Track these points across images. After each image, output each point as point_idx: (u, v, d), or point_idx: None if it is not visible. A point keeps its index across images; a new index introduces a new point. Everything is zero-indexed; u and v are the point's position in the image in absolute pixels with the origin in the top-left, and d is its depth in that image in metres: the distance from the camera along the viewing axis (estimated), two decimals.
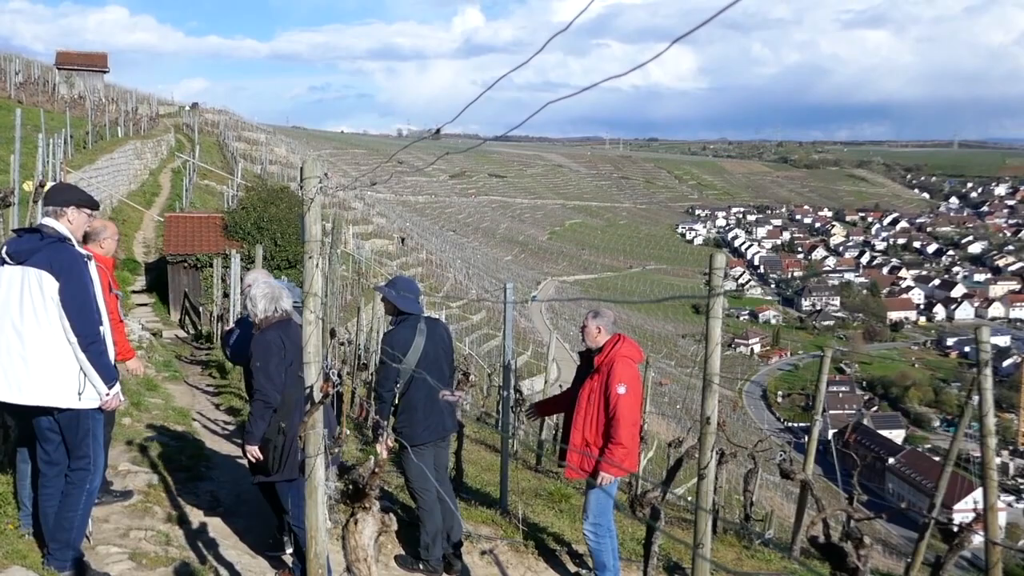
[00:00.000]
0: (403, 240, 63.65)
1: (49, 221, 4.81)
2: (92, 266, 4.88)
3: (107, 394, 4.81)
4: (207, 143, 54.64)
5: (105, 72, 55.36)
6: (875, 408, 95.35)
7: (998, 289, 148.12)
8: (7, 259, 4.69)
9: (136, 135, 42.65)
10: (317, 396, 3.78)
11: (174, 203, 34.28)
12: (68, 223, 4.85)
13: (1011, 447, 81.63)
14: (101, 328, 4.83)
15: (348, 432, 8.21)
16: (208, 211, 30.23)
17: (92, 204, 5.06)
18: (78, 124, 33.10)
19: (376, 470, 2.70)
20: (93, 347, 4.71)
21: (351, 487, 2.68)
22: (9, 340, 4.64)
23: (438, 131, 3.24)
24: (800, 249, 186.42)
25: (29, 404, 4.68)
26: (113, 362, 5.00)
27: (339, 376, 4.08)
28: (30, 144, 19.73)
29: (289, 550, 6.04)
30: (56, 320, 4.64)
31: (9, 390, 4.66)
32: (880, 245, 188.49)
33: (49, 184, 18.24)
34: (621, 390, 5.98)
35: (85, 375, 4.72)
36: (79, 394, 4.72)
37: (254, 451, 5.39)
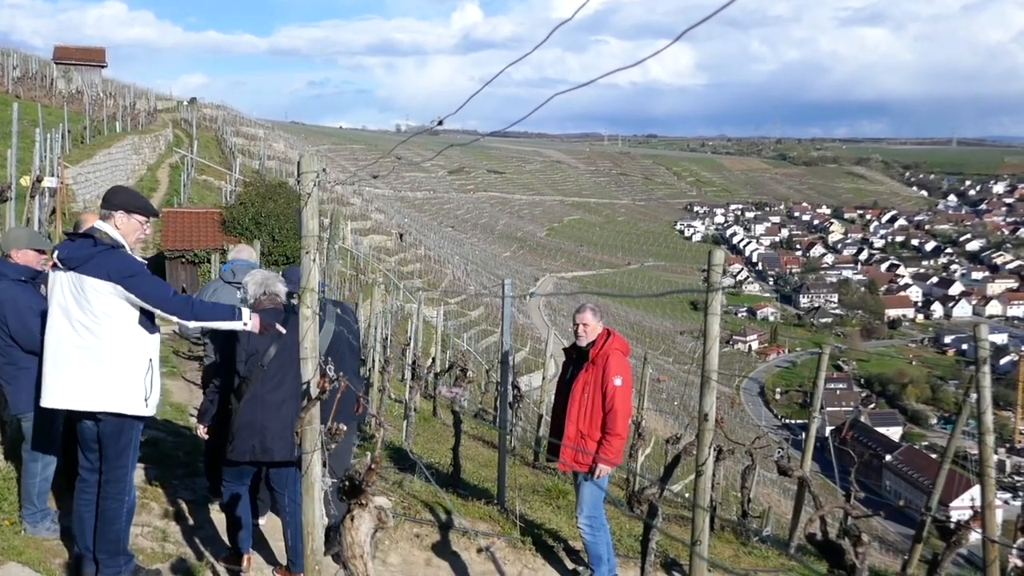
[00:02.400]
0: (401, 236, 63.61)
1: (101, 225, 4.76)
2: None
3: (245, 323, 4.84)
4: (205, 138, 54.56)
5: (103, 67, 55.25)
6: (872, 405, 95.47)
7: (996, 287, 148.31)
8: (59, 264, 4.65)
9: (134, 130, 42.58)
10: (314, 392, 3.77)
11: (172, 198, 34.21)
12: (115, 227, 4.79)
13: (1008, 445, 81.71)
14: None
15: (345, 428, 8.17)
16: (206, 206, 30.16)
17: (146, 210, 4.95)
18: (76, 119, 33.05)
19: (373, 467, 2.69)
20: (195, 307, 4.74)
21: (348, 484, 2.67)
22: (67, 347, 4.62)
23: (440, 122, 3.24)
24: (798, 246, 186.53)
25: (91, 411, 4.65)
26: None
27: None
28: (27, 139, 19.70)
29: (262, 520, 6.01)
30: (111, 329, 4.60)
31: (71, 397, 4.64)
32: (878, 243, 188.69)
33: (47, 180, 18.11)
34: (618, 382, 6.05)
35: (229, 326, 4.78)
36: (145, 400, 4.72)
37: (200, 429, 5.69)
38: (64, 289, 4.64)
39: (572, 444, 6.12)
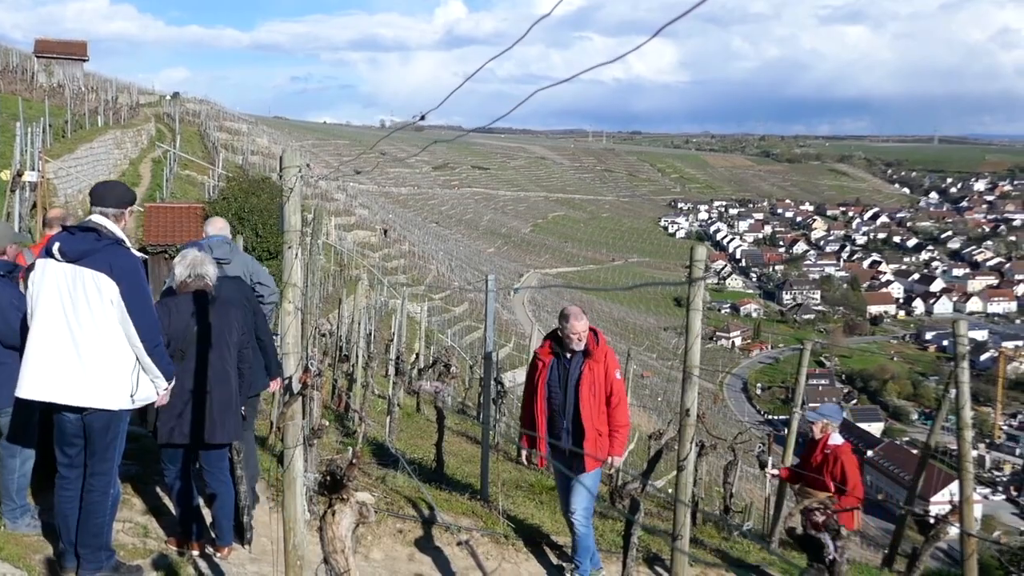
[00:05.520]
0: (386, 232, 63.54)
1: (104, 221, 4.72)
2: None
3: (165, 388, 4.87)
4: (188, 133, 54.23)
5: (85, 61, 54.79)
6: (854, 401, 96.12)
7: (976, 284, 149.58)
8: (57, 256, 4.60)
9: (116, 125, 42.25)
10: (296, 387, 3.77)
11: (154, 193, 34.02)
12: (122, 223, 4.82)
13: (988, 440, 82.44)
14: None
15: (328, 423, 8.18)
16: (188, 201, 30.04)
17: (133, 201, 5.08)
18: (57, 113, 32.77)
19: (354, 462, 2.69)
20: (158, 349, 4.72)
21: (329, 478, 2.67)
22: (60, 340, 4.58)
23: (423, 117, 3.24)
24: (781, 243, 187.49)
25: (80, 406, 4.61)
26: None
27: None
28: (7, 133, 19.58)
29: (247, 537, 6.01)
30: (113, 322, 4.58)
31: (58, 391, 4.59)
32: (861, 239, 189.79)
33: (27, 175, 17.89)
34: (619, 375, 6.16)
35: (146, 374, 4.71)
36: (131, 397, 4.70)
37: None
38: (60, 282, 4.59)
39: (592, 444, 6.09)
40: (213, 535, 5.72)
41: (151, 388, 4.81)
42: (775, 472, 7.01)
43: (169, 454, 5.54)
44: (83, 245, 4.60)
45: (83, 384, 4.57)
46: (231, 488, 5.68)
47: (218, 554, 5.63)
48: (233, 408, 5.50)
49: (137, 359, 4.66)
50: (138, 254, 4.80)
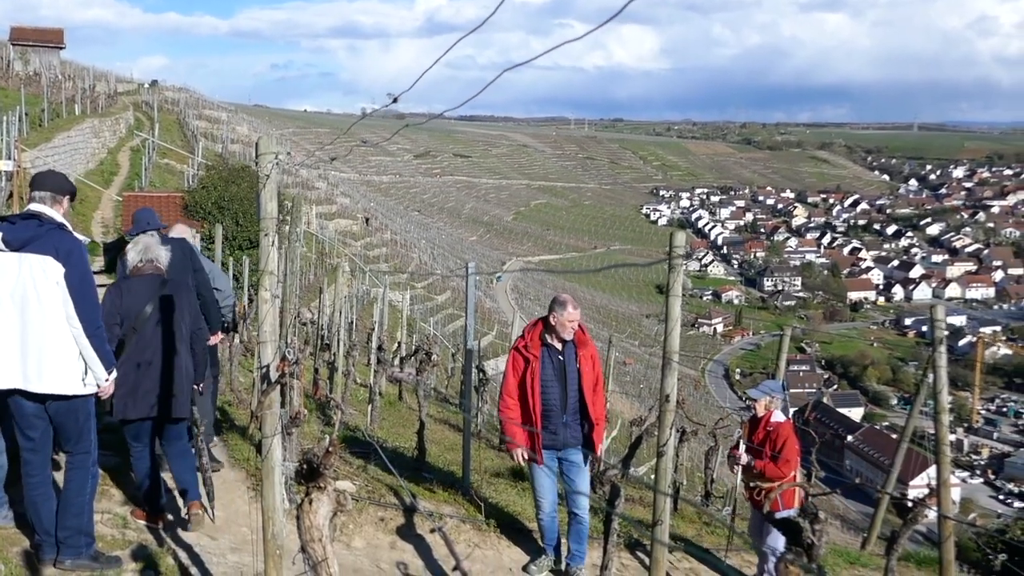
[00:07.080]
0: (367, 220, 63.26)
1: (43, 208, 4.73)
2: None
3: (106, 379, 4.86)
4: (167, 121, 53.72)
5: (61, 48, 54.13)
6: (835, 387, 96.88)
7: (955, 270, 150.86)
8: (1, 246, 4.58)
9: (94, 113, 41.82)
10: (273, 376, 3.74)
11: (133, 182, 33.73)
12: (60, 209, 4.81)
13: (966, 424, 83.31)
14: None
15: (307, 412, 8.16)
16: (168, 190, 29.78)
17: (75, 193, 5.12)
18: (33, 102, 32.42)
19: (331, 450, 2.67)
20: (97, 332, 4.73)
21: (306, 467, 2.66)
22: (12, 329, 4.57)
23: (396, 99, 3.22)
24: (763, 230, 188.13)
25: (37, 392, 4.62)
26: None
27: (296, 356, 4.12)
28: None
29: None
30: (52, 309, 4.59)
31: (16, 378, 4.59)
32: (841, 226, 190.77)
33: (2, 164, 17.77)
34: (599, 363, 6.22)
35: (85, 361, 4.71)
36: (83, 380, 4.72)
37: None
38: (7, 271, 4.59)
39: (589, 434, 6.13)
40: (181, 502, 5.84)
41: (101, 373, 4.84)
42: (746, 457, 6.82)
43: (132, 431, 5.65)
44: (26, 233, 4.61)
45: (40, 370, 4.59)
46: (191, 452, 5.90)
47: (190, 512, 5.72)
48: (185, 385, 5.67)
49: (77, 343, 4.66)
50: (81, 237, 4.83)
